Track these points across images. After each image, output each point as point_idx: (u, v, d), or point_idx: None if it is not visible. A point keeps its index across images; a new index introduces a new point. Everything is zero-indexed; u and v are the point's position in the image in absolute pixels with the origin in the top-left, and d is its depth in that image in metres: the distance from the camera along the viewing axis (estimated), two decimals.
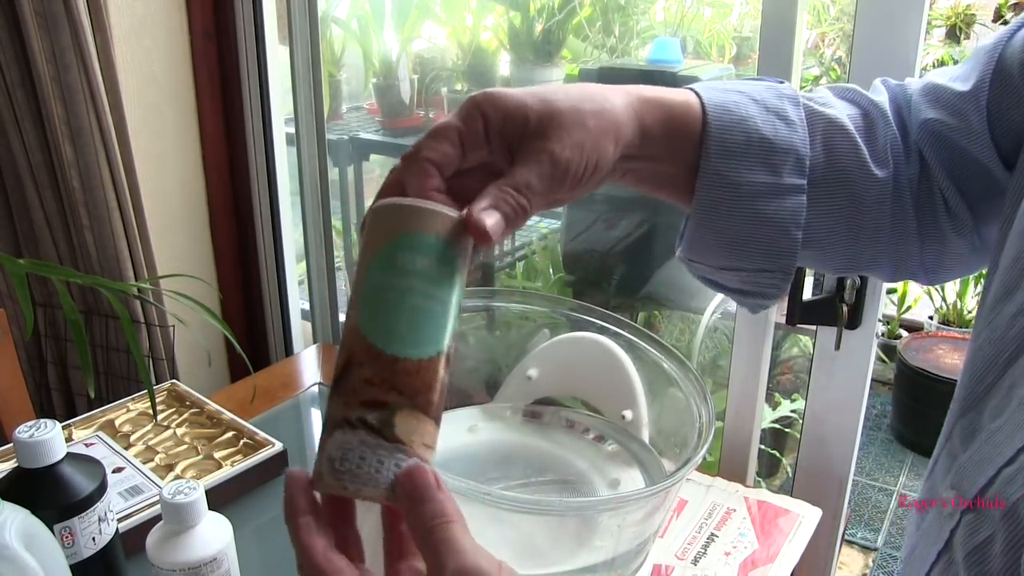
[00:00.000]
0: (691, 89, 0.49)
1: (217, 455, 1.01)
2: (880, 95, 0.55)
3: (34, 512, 0.60)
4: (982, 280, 2.99)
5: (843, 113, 0.52)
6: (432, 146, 0.43)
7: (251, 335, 1.69)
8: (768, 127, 0.48)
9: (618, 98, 0.46)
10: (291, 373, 1.36)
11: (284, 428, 1.17)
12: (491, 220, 0.42)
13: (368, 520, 0.61)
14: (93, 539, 0.71)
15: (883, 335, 3.07)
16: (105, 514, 0.72)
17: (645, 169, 0.49)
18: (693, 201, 0.49)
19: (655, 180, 0.50)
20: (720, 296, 1.67)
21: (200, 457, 1.01)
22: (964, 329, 2.91)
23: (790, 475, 1.96)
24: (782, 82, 0.52)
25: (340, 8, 2.05)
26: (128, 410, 1.11)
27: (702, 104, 0.48)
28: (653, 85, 0.50)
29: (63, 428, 0.77)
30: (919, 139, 0.52)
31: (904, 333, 3.02)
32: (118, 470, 0.96)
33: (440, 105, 1.97)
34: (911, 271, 0.56)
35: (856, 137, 0.51)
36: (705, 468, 1.05)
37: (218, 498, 0.90)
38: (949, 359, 2.69)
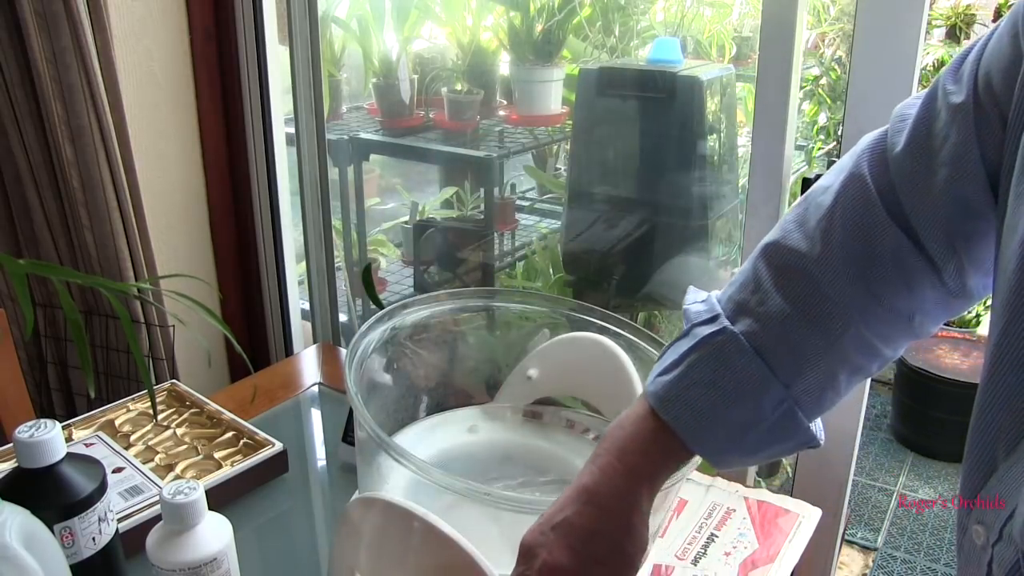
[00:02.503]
0: (648, 404, 0.56)
1: (217, 455, 1.01)
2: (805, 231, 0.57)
3: (34, 512, 0.60)
4: None
5: (774, 302, 0.56)
6: None
7: (251, 335, 1.69)
8: (720, 397, 0.54)
9: (583, 474, 0.56)
10: (291, 373, 1.36)
11: (284, 428, 1.17)
12: None
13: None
14: (93, 539, 0.71)
15: None
16: (105, 514, 0.72)
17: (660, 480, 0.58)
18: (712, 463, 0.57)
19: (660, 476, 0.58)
20: None
21: (200, 457, 1.01)
22: (964, 329, 2.91)
23: (790, 475, 1.96)
24: (713, 319, 0.57)
25: (340, 8, 2.05)
26: (128, 410, 1.11)
27: (659, 418, 0.56)
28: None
29: (63, 428, 0.77)
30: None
31: None
32: (118, 470, 0.96)
33: (440, 105, 1.97)
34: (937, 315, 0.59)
35: (796, 322, 0.55)
36: (705, 468, 1.05)
37: (218, 498, 0.90)
38: (949, 359, 2.69)
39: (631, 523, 0.56)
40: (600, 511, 0.55)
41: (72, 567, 0.66)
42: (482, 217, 2.06)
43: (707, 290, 0.63)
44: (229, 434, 1.05)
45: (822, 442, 0.57)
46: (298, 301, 1.70)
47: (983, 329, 2.96)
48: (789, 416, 0.55)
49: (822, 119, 2.40)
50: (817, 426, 0.58)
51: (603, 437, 0.58)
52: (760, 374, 0.55)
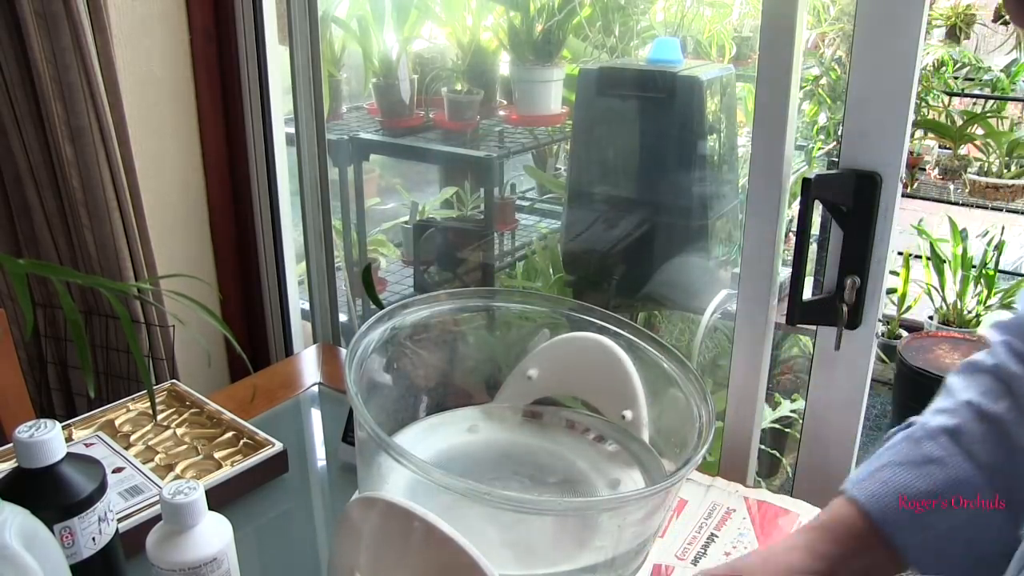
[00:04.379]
0: (847, 496, 0.55)
1: (217, 455, 1.01)
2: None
3: (34, 512, 0.60)
4: (982, 280, 2.97)
5: (976, 396, 0.54)
6: None
7: (251, 335, 1.69)
8: (923, 481, 0.54)
9: (796, 548, 0.55)
10: (291, 373, 1.36)
11: (284, 428, 1.17)
12: None
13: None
14: (93, 539, 0.71)
15: (883, 335, 3.07)
16: (105, 514, 0.72)
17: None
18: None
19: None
20: (720, 296, 1.67)
21: (200, 457, 1.01)
22: (964, 329, 2.91)
23: (790, 475, 1.96)
24: (911, 424, 0.55)
25: (340, 8, 2.05)
26: (128, 410, 1.11)
27: (861, 507, 0.55)
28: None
29: (63, 428, 0.77)
30: None
31: (904, 333, 3.02)
32: (118, 470, 0.96)
33: (440, 105, 1.97)
34: None
35: (1005, 421, 0.53)
36: (705, 468, 1.05)
37: (218, 498, 0.90)
38: (949, 359, 2.69)
39: None
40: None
41: (72, 567, 0.66)
42: (482, 217, 2.06)
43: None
44: (229, 434, 1.05)
45: None
46: (298, 301, 1.70)
47: (983, 329, 2.96)
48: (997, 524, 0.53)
49: (822, 119, 2.40)
50: None
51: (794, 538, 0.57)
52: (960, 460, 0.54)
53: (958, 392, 0.56)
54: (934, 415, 0.55)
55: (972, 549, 0.54)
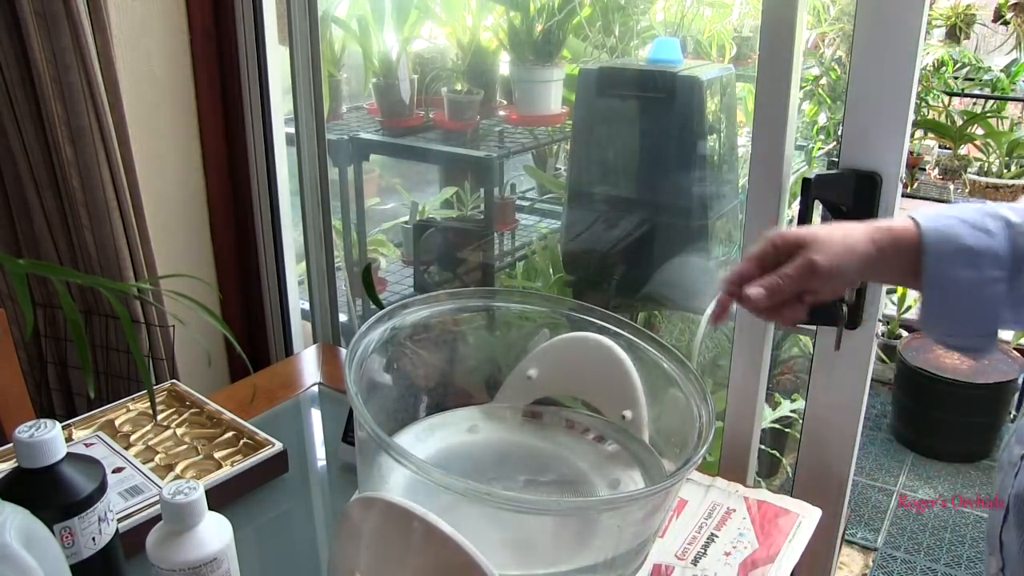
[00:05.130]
0: (912, 218, 0.68)
1: (217, 455, 1.01)
2: None
3: (34, 512, 0.60)
4: None
5: None
6: (741, 264, 0.72)
7: (251, 335, 1.69)
8: (972, 239, 0.65)
9: (859, 230, 0.69)
10: (291, 373, 1.36)
11: (284, 428, 1.17)
12: (753, 291, 0.68)
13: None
14: (93, 539, 0.71)
15: (883, 335, 3.07)
16: (105, 514, 0.72)
17: (879, 275, 0.73)
18: (923, 297, 0.68)
19: (886, 280, 0.76)
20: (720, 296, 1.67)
21: (200, 457, 1.01)
22: None
23: (790, 475, 1.96)
24: (984, 202, 0.68)
25: (340, 8, 2.05)
26: (128, 410, 1.11)
27: (920, 229, 0.67)
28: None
29: (63, 428, 0.77)
30: None
31: (904, 333, 3.02)
32: (118, 470, 0.96)
33: (440, 105, 1.97)
34: None
35: None
36: (705, 468, 1.05)
37: (218, 498, 0.90)
38: (949, 359, 2.69)
39: (851, 257, 0.68)
40: (840, 234, 0.69)
41: (72, 567, 0.66)
42: (482, 217, 2.06)
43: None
44: (229, 434, 1.05)
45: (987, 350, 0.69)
46: (298, 301, 1.70)
47: None
48: (996, 307, 0.65)
49: (822, 119, 2.40)
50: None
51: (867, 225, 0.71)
52: (999, 240, 0.65)
53: None
54: (1007, 208, 0.67)
55: (979, 305, 0.67)
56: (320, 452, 1.14)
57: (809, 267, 0.67)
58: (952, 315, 0.68)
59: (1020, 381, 2.61)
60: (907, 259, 0.68)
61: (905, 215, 0.69)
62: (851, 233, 0.69)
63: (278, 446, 1.02)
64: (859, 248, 0.68)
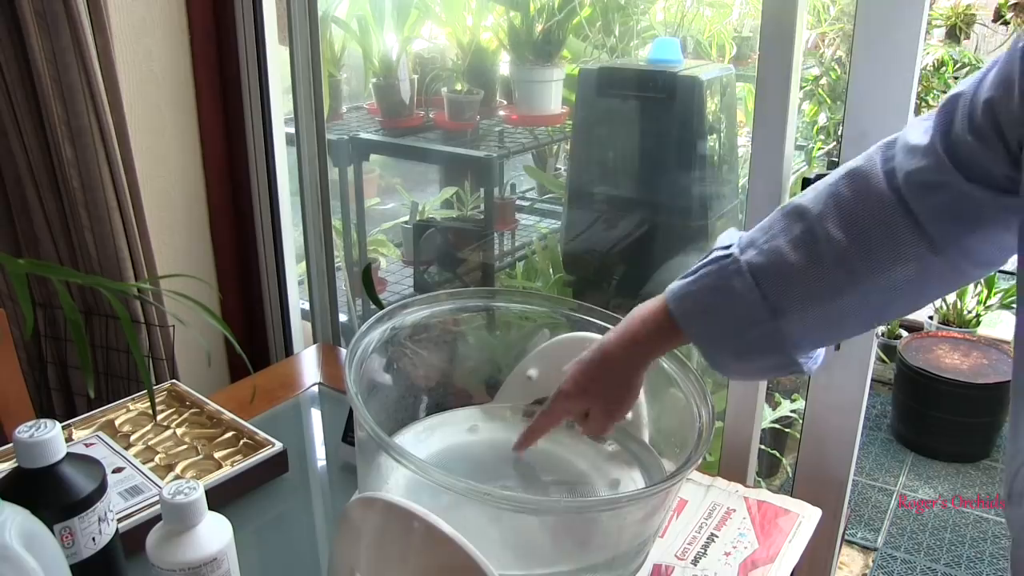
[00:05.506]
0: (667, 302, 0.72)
1: (217, 455, 1.01)
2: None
3: (34, 512, 0.60)
4: (982, 280, 2.96)
5: (783, 245, 0.67)
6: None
7: (251, 335, 1.69)
8: (724, 308, 0.68)
9: (617, 335, 0.76)
10: (291, 373, 1.36)
11: (284, 428, 1.17)
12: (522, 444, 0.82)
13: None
14: (93, 539, 0.71)
15: (883, 335, 3.07)
16: (105, 514, 0.72)
17: (662, 351, 0.77)
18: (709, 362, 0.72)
19: (672, 347, 0.77)
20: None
21: (200, 457, 1.01)
22: (964, 329, 2.91)
23: (790, 475, 1.96)
24: (728, 248, 0.70)
25: (340, 8, 2.05)
26: (128, 410, 1.11)
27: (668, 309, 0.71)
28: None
29: (63, 428, 0.77)
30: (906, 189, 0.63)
31: (904, 333, 3.02)
32: (118, 470, 0.96)
33: (440, 105, 1.97)
34: (961, 275, 0.66)
35: (793, 264, 0.66)
36: (705, 468, 1.05)
37: (218, 498, 0.90)
38: (949, 359, 2.69)
39: (627, 377, 0.76)
40: (604, 360, 0.76)
41: (72, 567, 0.66)
42: (482, 217, 2.06)
43: None
44: (229, 434, 1.05)
45: (811, 371, 0.71)
46: (298, 301, 1.70)
47: (983, 329, 2.96)
48: (772, 335, 0.67)
49: (822, 119, 2.40)
50: (812, 356, 0.70)
51: (624, 319, 0.76)
52: (752, 295, 0.66)
53: (774, 233, 0.68)
54: (746, 249, 0.68)
55: (741, 342, 0.69)
56: (320, 452, 1.14)
57: (610, 415, 0.78)
58: (741, 368, 0.71)
59: None
60: (674, 340, 0.73)
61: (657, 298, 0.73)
62: (607, 360, 0.75)
63: (278, 446, 1.02)
64: (619, 350, 0.74)
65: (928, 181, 0.61)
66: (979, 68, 0.60)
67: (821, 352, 0.72)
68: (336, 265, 1.72)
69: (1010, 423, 0.58)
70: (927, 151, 0.61)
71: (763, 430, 1.69)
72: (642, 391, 0.86)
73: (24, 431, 0.68)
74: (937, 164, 0.60)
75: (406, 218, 2.28)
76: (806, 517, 0.96)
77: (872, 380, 1.07)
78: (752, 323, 0.67)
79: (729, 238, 0.71)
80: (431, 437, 0.89)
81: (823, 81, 2.36)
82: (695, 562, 0.88)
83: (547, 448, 0.88)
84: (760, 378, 0.79)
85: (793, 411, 1.96)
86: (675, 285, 0.72)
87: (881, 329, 2.02)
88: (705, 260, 0.70)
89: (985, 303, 2.95)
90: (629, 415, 0.86)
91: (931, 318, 3.03)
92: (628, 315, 0.76)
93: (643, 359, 0.75)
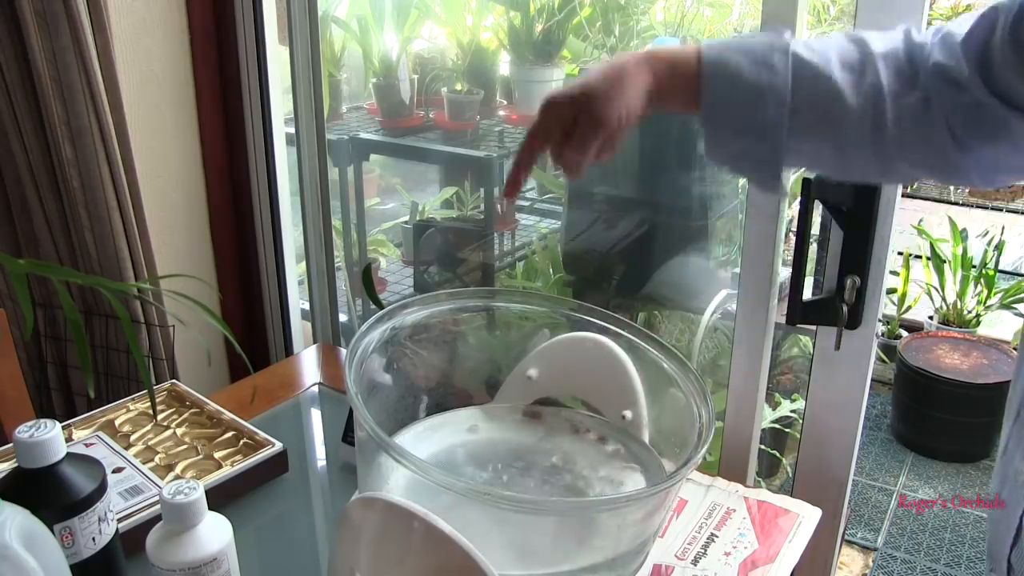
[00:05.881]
0: (698, 48, 0.67)
1: (217, 455, 1.01)
2: (889, 43, 0.67)
3: (34, 512, 0.60)
4: (982, 280, 2.96)
5: (833, 57, 0.65)
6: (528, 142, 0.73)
7: (251, 335, 1.69)
8: (752, 74, 0.65)
9: (635, 63, 0.68)
10: (291, 373, 1.36)
11: (284, 428, 1.17)
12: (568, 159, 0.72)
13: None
14: (93, 539, 0.71)
15: (883, 335, 3.07)
16: (105, 514, 0.72)
17: (661, 104, 0.71)
18: (703, 131, 0.69)
19: (669, 108, 0.72)
20: (720, 296, 1.67)
21: (200, 457, 1.01)
22: (964, 329, 2.91)
23: (790, 475, 1.96)
24: (785, 33, 0.67)
25: (340, 8, 2.05)
26: (128, 410, 1.11)
27: (701, 57, 0.67)
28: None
29: (63, 428, 0.77)
30: (927, 79, 0.64)
31: (904, 333, 3.02)
32: (118, 470, 0.96)
33: (440, 105, 1.97)
34: (963, 175, 0.67)
35: (832, 76, 0.64)
36: (705, 468, 1.05)
37: (218, 498, 0.90)
38: (949, 359, 2.69)
39: (623, 91, 0.68)
40: (607, 71, 0.68)
41: (72, 567, 0.66)
42: (482, 217, 2.06)
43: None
44: (229, 434, 1.05)
45: (778, 192, 0.71)
46: (298, 301, 1.70)
47: (983, 329, 2.96)
48: (777, 124, 0.65)
49: None
50: (783, 177, 0.68)
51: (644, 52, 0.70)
52: (782, 79, 0.64)
53: (831, 44, 0.66)
54: (803, 41, 0.66)
55: (748, 119, 0.66)
56: (320, 452, 1.14)
57: (597, 123, 0.68)
58: (729, 146, 0.69)
59: None
60: (687, 88, 0.68)
61: (693, 44, 0.69)
62: (622, 70, 0.68)
63: (278, 446, 1.02)
64: (633, 81, 0.68)
65: (951, 79, 0.62)
66: None
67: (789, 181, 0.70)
68: (336, 265, 1.72)
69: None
70: (959, 55, 0.62)
71: (763, 430, 1.69)
72: (642, 391, 0.86)
73: (24, 431, 0.68)
74: (962, 65, 0.61)
75: (406, 218, 2.28)
76: (806, 517, 0.96)
77: (872, 380, 1.07)
78: (770, 102, 0.64)
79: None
80: (431, 437, 0.89)
81: None
82: (695, 562, 0.88)
83: (547, 448, 0.88)
84: (733, 167, 0.73)
85: (793, 411, 1.96)
86: (715, 40, 0.69)
87: (881, 329, 2.01)
88: (756, 35, 0.69)
89: (985, 303, 2.95)
90: (629, 414, 0.86)
91: (931, 318, 3.03)
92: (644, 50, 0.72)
93: (652, 86, 0.69)
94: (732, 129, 0.67)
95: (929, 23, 0.84)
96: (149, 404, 1.12)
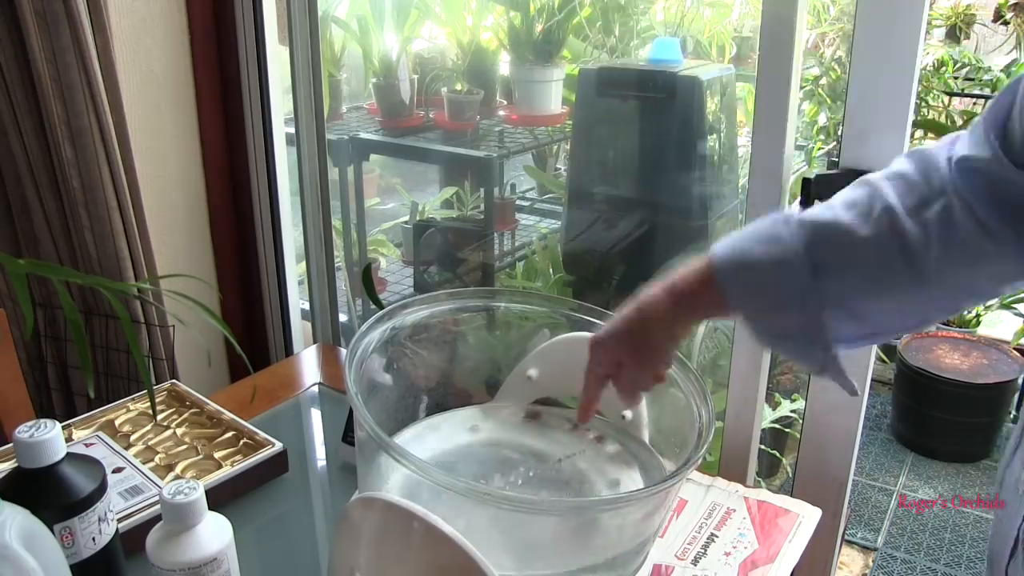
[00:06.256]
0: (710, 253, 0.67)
1: (217, 455, 1.01)
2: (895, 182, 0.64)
3: (34, 512, 0.60)
4: None
5: (837, 204, 0.64)
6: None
7: (251, 335, 1.69)
8: (761, 252, 0.64)
9: (653, 294, 0.71)
10: (291, 373, 1.36)
11: (284, 428, 1.17)
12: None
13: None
14: (93, 539, 0.71)
15: None
16: (105, 514, 0.72)
17: (696, 317, 0.72)
18: (748, 328, 0.68)
19: (706, 316, 0.73)
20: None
21: (200, 457, 1.01)
22: (964, 329, 2.91)
23: (790, 475, 1.96)
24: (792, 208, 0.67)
25: (340, 8, 2.05)
26: (128, 410, 1.11)
27: (712, 261, 0.67)
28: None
29: (63, 428, 0.77)
30: (949, 180, 0.61)
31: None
32: (118, 470, 0.96)
33: (440, 105, 1.97)
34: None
35: (839, 219, 0.63)
36: (705, 468, 1.05)
37: (218, 498, 0.90)
38: (949, 359, 2.69)
39: (658, 336, 0.71)
40: (641, 317, 0.71)
41: (72, 567, 0.66)
42: (482, 217, 2.06)
43: None
44: (229, 434, 1.05)
45: (827, 366, 0.66)
46: (298, 301, 1.70)
47: (983, 329, 2.96)
48: (800, 294, 0.63)
49: (822, 119, 2.40)
50: (839, 337, 0.64)
51: (664, 277, 0.71)
52: (796, 243, 0.63)
53: (836, 195, 0.66)
54: (809, 212, 0.66)
55: (776, 296, 0.65)
56: (320, 452, 1.14)
57: (643, 365, 0.74)
58: (773, 331, 0.67)
59: (1020, 381, 2.61)
60: (714, 296, 0.67)
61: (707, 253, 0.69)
62: (643, 309, 0.71)
63: (278, 446, 1.02)
64: (654, 313, 0.70)
65: (972, 167, 0.60)
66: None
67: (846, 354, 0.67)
68: (336, 265, 1.72)
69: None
70: (982, 136, 0.60)
71: (763, 430, 1.69)
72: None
73: (24, 431, 0.68)
74: (989, 149, 0.59)
75: (406, 218, 2.28)
76: (806, 517, 0.96)
77: (872, 380, 1.07)
78: (787, 270, 0.63)
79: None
80: (431, 437, 0.89)
81: (823, 81, 2.36)
82: (695, 562, 0.88)
83: (547, 448, 0.88)
84: (787, 351, 0.70)
85: (793, 411, 1.96)
86: (723, 240, 0.68)
87: None
88: (761, 219, 0.68)
89: (985, 303, 2.95)
90: (629, 414, 0.86)
91: None
92: (660, 280, 0.72)
93: (681, 317, 0.70)
94: (765, 313, 0.66)
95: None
96: (149, 404, 1.12)
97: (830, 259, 0.63)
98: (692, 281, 0.68)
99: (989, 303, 2.94)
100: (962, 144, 0.62)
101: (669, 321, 0.70)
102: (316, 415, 1.25)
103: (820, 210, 0.65)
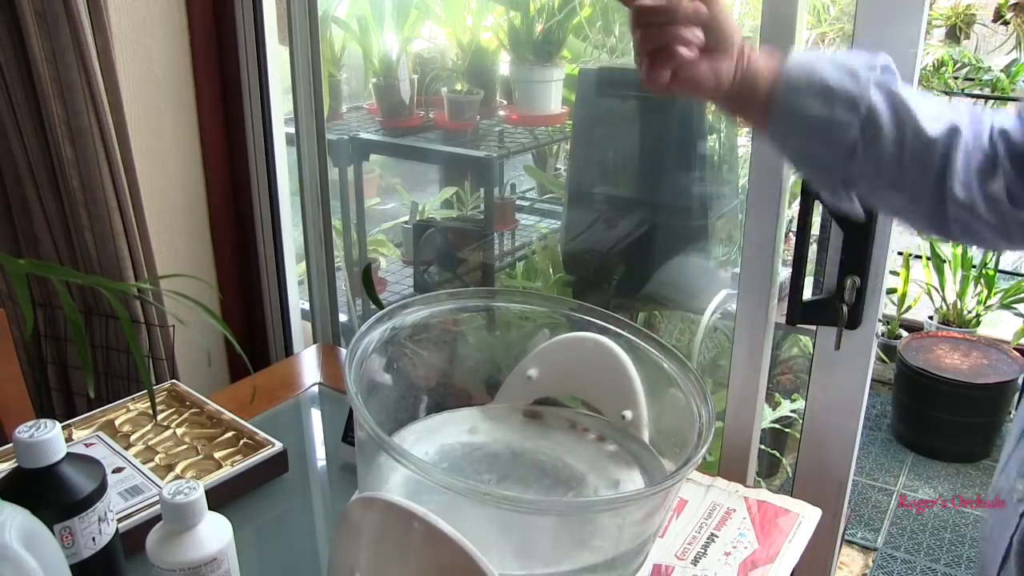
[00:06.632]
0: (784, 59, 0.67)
1: (217, 455, 1.01)
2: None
3: (34, 512, 0.60)
4: (982, 280, 2.96)
5: (921, 100, 0.66)
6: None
7: (251, 335, 1.69)
8: (833, 76, 0.65)
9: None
10: (291, 373, 1.36)
11: (284, 428, 1.17)
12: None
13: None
14: (93, 539, 0.71)
15: (883, 335, 3.07)
16: (105, 514, 0.72)
17: (738, 99, 0.69)
18: (767, 133, 0.69)
19: (743, 111, 0.71)
20: (720, 296, 1.67)
21: (200, 457, 1.01)
22: (964, 329, 2.91)
23: (790, 475, 1.96)
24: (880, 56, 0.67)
25: (340, 8, 2.05)
26: (128, 410, 1.11)
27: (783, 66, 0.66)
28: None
29: (63, 428, 0.77)
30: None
31: (904, 333, 3.02)
32: (118, 470, 0.96)
33: (440, 105, 1.97)
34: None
35: (911, 109, 0.65)
36: (705, 468, 1.05)
37: (218, 498, 0.90)
38: (949, 359, 2.69)
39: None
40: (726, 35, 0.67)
41: (72, 567, 0.66)
42: (482, 217, 2.06)
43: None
44: (229, 434, 1.05)
45: (857, 215, 0.69)
46: (298, 301, 1.70)
47: (983, 329, 2.96)
48: (841, 127, 0.64)
49: None
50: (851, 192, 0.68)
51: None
52: (862, 85, 0.65)
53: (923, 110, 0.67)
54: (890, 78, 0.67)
55: (819, 141, 0.67)
56: (320, 452, 1.14)
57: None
58: (796, 147, 0.69)
59: (1020, 381, 2.61)
60: (762, 85, 0.67)
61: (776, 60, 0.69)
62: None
63: (278, 446, 1.02)
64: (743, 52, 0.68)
65: (1011, 138, 0.63)
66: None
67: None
68: (336, 265, 1.72)
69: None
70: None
71: (763, 430, 1.69)
72: (642, 391, 0.86)
73: (24, 431, 0.68)
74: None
75: (406, 218, 2.28)
76: (806, 517, 0.96)
77: (872, 380, 1.07)
78: (839, 102, 0.64)
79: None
80: (431, 437, 0.89)
81: None
82: (695, 562, 0.88)
83: (547, 448, 0.88)
84: (803, 164, 0.72)
85: (793, 411, 1.96)
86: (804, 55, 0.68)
87: (881, 329, 2.02)
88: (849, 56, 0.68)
89: (985, 303, 2.95)
90: (629, 414, 0.86)
91: (931, 318, 3.03)
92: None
93: (736, 58, 0.67)
94: (801, 118, 0.66)
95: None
96: (149, 404, 1.12)
97: (882, 130, 0.64)
98: (761, 59, 0.68)
99: (989, 303, 2.94)
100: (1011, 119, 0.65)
101: (727, 69, 0.67)
102: (316, 415, 1.25)
103: (912, 91, 0.66)
